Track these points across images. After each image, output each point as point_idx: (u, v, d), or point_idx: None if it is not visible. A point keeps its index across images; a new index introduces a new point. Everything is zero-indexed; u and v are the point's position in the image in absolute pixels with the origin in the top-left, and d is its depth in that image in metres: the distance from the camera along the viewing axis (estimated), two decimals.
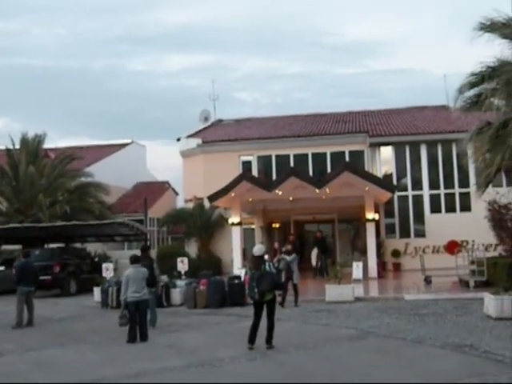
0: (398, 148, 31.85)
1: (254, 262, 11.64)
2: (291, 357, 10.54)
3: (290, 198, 26.91)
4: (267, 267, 11.24)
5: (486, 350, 10.32)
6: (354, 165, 26.90)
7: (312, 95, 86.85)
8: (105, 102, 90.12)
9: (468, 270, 22.15)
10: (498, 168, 17.86)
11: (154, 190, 39.98)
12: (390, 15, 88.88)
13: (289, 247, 18.96)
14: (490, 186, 21.32)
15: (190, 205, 32.96)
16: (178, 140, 35.40)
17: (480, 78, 16.91)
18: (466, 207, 30.37)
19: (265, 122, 37.85)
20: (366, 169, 30.66)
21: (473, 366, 9.36)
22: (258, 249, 11.61)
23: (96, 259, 29.19)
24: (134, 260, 13.29)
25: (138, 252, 16.03)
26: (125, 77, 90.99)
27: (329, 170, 30.78)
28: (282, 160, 32.07)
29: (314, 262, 27.31)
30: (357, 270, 24.01)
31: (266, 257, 11.61)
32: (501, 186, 27.15)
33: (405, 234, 31.26)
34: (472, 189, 24.01)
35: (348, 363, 9.87)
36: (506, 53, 15.97)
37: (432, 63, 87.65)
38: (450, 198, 31.27)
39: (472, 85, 17.27)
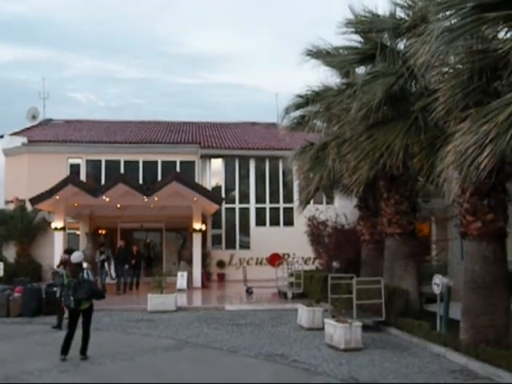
0: (229, 161, 32.64)
1: (71, 270, 11.28)
2: (105, 368, 10.31)
3: (118, 205, 26.48)
4: (85, 275, 10.96)
5: (295, 359, 10.89)
6: (183, 175, 27.06)
7: (148, 102, 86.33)
8: None
9: (287, 282, 23.17)
10: (317, 186, 18.96)
11: None
12: (231, 31, 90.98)
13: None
14: (312, 202, 22.57)
15: (11, 206, 31.16)
16: (1, 137, 33.35)
17: (305, 101, 17.83)
18: (289, 222, 31.84)
19: (97, 125, 36.89)
20: (197, 180, 31.04)
21: (282, 374, 9.80)
22: (76, 256, 11.27)
23: None
24: None
25: None
26: None
27: (159, 178, 30.70)
28: (112, 165, 31.50)
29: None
30: (181, 279, 24.18)
31: (85, 265, 11.28)
32: (321, 203, 28.88)
33: (230, 245, 32.00)
34: (295, 204, 25.20)
35: (163, 373, 9.88)
36: (330, 79, 17.00)
37: (269, 81, 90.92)
38: (274, 212, 32.58)
39: (298, 106, 18.17)
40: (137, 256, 25.65)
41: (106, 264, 23.16)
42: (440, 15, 8.39)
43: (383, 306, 14.03)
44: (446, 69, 10.00)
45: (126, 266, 24.49)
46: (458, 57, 9.20)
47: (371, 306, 14.39)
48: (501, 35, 8.93)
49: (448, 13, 8.22)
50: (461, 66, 9.52)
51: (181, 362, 10.96)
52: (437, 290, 12.93)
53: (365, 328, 12.80)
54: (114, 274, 23.98)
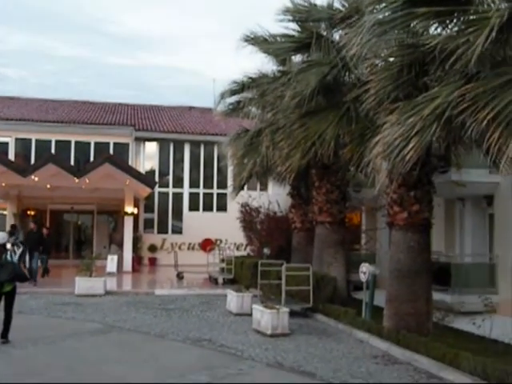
0: (163, 145, 32.36)
1: None
2: (27, 352, 10.05)
3: (48, 186, 25.82)
4: (8, 257, 10.65)
5: (222, 343, 10.93)
6: (116, 157, 26.64)
7: (84, 81, 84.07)
8: None
9: (218, 268, 23.25)
10: (251, 173, 19.03)
11: None
12: (171, 12, 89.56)
13: None
14: (245, 189, 22.64)
15: None
16: None
17: (241, 87, 17.82)
18: (222, 207, 31.91)
19: (28, 103, 35.81)
20: (130, 162, 30.62)
21: (208, 359, 9.81)
22: (0, 237, 10.93)
23: None
24: None
25: None
26: None
27: (92, 159, 30.09)
28: (43, 145, 30.70)
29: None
30: (111, 263, 23.86)
31: (9, 246, 10.94)
32: (255, 189, 29.02)
33: (163, 229, 31.85)
34: (229, 190, 25.25)
35: (86, 358, 9.71)
36: (266, 66, 17.04)
37: (208, 66, 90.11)
38: (208, 197, 32.56)
39: (233, 92, 18.14)
40: (45, 240, 22.22)
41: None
42: (373, 8, 8.51)
43: (311, 293, 14.24)
44: (378, 61, 10.18)
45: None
46: (390, 50, 9.37)
47: (300, 293, 14.58)
48: (431, 30, 9.15)
49: (380, 6, 8.35)
50: (392, 59, 9.70)
51: (106, 346, 10.81)
52: (363, 277, 13.23)
53: (293, 314, 12.98)
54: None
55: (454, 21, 8.24)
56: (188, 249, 31.15)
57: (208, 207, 32.47)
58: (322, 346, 10.92)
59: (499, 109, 6.56)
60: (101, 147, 31.06)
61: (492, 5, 7.85)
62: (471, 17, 7.61)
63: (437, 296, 13.37)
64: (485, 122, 6.63)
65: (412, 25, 8.62)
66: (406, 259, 11.38)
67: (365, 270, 13.20)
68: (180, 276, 23.10)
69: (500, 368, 7.76)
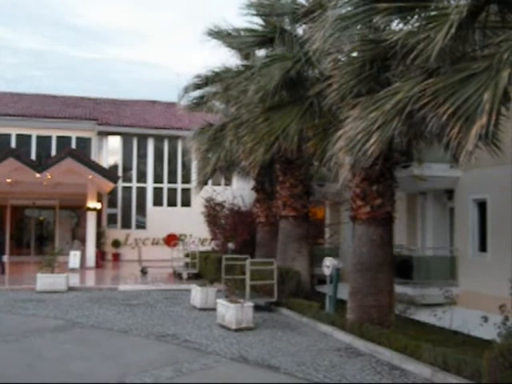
0: (127, 139, 32.07)
1: None
2: None
3: (8, 180, 25.38)
4: None
5: (186, 339, 10.90)
6: (79, 152, 26.34)
7: (46, 75, 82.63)
8: None
9: (183, 263, 23.18)
10: (215, 167, 19.00)
11: None
12: (135, 5, 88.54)
13: None
14: (210, 183, 22.62)
15: None
16: None
17: (205, 81, 17.75)
18: (186, 202, 31.81)
19: None
20: (93, 157, 30.28)
21: (172, 354, 9.77)
22: None
23: None
24: None
25: None
26: None
27: (54, 154, 29.66)
28: (3, 139, 30.14)
29: None
30: (74, 258, 23.61)
31: None
32: (219, 184, 28.99)
33: (126, 224, 31.60)
34: (193, 185, 25.16)
35: (48, 355, 9.59)
36: (230, 60, 17.02)
37: (173, 59, 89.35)
38: (172, 192, 32.40)
39: (197, 86, 18.06)
40: None
41: None
42: (335, 2, 8.54)
43: (275, 287, 14.30)
44: (341, 56, 10.23)
45: None
46: (352, 45, 9.42)
47: (264, 287, 14.63)
48: (393, 26, 9.23)
49: (343, 1, 8.39)
50: (354, 54, 9.76)
51: (67, 343, 10.66)
52: (327, 271, 13.33)
53: (257, 308, 13.02)
54: None
55: (415, 17, 8.31)
56: (152, 244, 30.98)
57: (172, 202, 32.33)
58: (286, 340, 10.97)
59: (459, 104, 6.65)
60: (63, 141, 30.65)
61: (452, 1, 7.96)
62: (431, 13, 7.69)
63: (399, 289, 13.57)
64: (445, 116, 6.71)
65: (374, 20, 8.68)
66: (368, 253, 11.49)
67: (328, 264, 13.30)
68: (144, 271, 22.97)
69: (459, 358, 7.91)
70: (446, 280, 15.88)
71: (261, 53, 16.28)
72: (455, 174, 16.14)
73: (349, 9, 8.31)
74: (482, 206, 15.62)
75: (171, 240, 27.02)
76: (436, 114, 6.91)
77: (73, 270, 22.37)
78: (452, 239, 17.14)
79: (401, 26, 8.77)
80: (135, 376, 8.21)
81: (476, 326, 10.23)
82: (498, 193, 14.44)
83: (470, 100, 6.59)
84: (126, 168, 32.16)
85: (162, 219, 30.90)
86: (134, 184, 32.06)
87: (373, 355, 9.67)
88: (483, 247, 15.47)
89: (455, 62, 7.64)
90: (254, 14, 15.44)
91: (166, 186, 32.40)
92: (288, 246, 16.20)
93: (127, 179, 31.74)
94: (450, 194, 17.17)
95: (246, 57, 16.66)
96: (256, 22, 15.66)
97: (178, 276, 22.21)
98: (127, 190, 31.77)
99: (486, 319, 9.38)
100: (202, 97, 18.50)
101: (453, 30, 6.81)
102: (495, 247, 14.73)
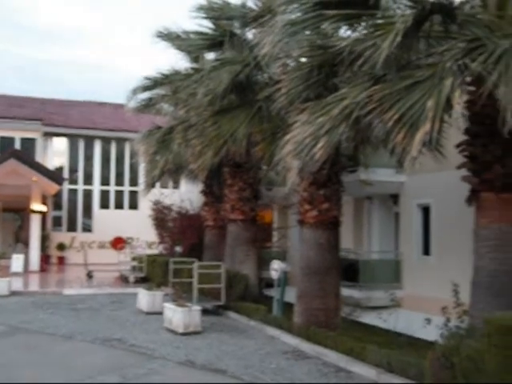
0: (73, 141, 31.55)
1: None
2: None
3: None
4: None
5: (132, 343, 10.79)
6: (23, 153, 25.76)
7: None
8: None
9: (130, 266, 22.94)
10: (163, 170, 18.88)
11: None
12: (89, 5, 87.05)
13: None
14: (158, 186, 22.45)
15: None
16: None
17: (154, 83, 17.63)
18: (134, 205, 31.52)
19: None
20: (38, 158, 29.59)
21: (118, 359, 9.66)
22: None
23: None
24: None
25: None
26: None
27: None
28: None
29: None
30: (17, 262, 23.05)
31: None
32: (167, 187, 28.80)
33: (72, 227, 31.04)
34: (140, 188, 24.94)
35: None
36: (180, 63, 16.95)
37: (123, 61, 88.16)
38: (119, 194, 32.03)
39: (146, 88, 17.91)
40: None
41: None
42: (285, 8, 8.62)
43: (223, 291, 14.29)
44: (289, 61, 10.33)
45: None
46: (301, 50, 9.51)
47: (212, 291, 14.59)
48: (341, 32, 9.37)
49: (292, 6, 8.48)
50: (303, 60, 9.86)
51: (11, 349, 10.42)
52: (275, 275, 13.41)
53: (205, 312, 12.98)
54: None
55: (363, 24, 8.47)
56: (98, 247, 30.48)
57: (119, 205, 31.94)
58: (233, 343, 10.98)
59: (404, 110, 6.80)
60: (6, 142, 29.80)
61: (398, 11, 8.14)
62: (378, 21, 7.85)
63: (345, 292, 13.75)
64: (390, 122, 6.85)
65: (322, 26, 8.78)
66: (316, 256, 11.61)
67: (276, 267, 13.38)
68: (90, 275, 22.60)
69: (404, 359, 8.07)
70: (391, 283, 16.15)
71: (210, 56, 16.29)
72: (400, 179, 16.46)
73: (298, 14, 8.40)
74: (425, 211, 15.97)
75: (118, 243, 26.68)
76: (382, 119, 7.05)
77: (16, 274, 21.80)
78: (397, 243, 17.47)
79: (349, 32, 8.90)
80: (81, 382, 8.08)
81: (420, 327, 10.44)
82: (441, 198, 14.80)
83: (415, 107, 6.75)
84: (73, 170, 31.60)
85: (108, 222, 30.46)
86: (81, 186, 31.54)
87: (319, 358, 9.77)
88: (427, 251, 15.82)
89: (401, 69, 7.81)
90: (203, 17, 15.47)
91: (113, 188, 31.99)
92: (236, 249, 16.23)
93: (73, 181, 31.20)
94: (395, 198, 17.51)
95: (196, 60, 16.61)
96: (206, 26, 15.69)
97: (124, 280, 21.94)
98: (73, 192, 31.22)
99: (429, 321, 9.59)
100: (150, 99, 18.37)
101: (398, 39, 6.95)
102: (438, 251, 15.09)
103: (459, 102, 6.65)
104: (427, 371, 6.94)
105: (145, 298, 14.61)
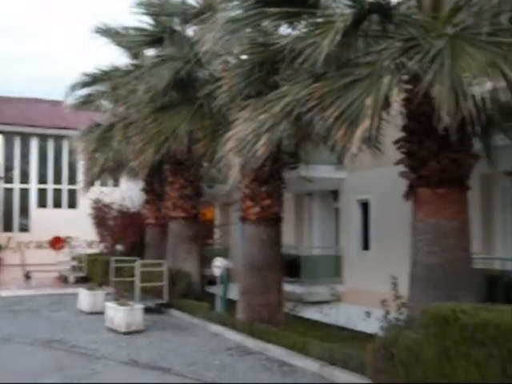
0: (8, 138, 30.75)
1: None
2: None
3: None
4: None
5: (73, 344, 10.63)
6: None
7: None
8: None
9: (69, 266, 22.52)
10: (103, 168, 18.61)
11: None
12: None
13: None
14: (98, 184, 22.10)
15: None
16: None
17: (93, 79, 17.35)
18: (73, 204, 30.96)
19: None
20: None
21: (59, 360, 9.48)
22: None
23: None
24: None
25: None
26: None
27: None
28: None
29: None
30: None
31: None
32: (107, 185, 28.38)
33: (8, 227, 30.25)
34: (80, 186, 24.49)
35: None
36: (120, 59, 16.77)
37: (62, 56, 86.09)
38: (57, 193, 31.39)
39: (85, 84, 17.60)
40: None
41: None
42: (225, 5, 8.63)
43: (166, 289, 14.21)
44: (231, 58, 10.35)
45: None
46: (242, 47, 9.54)
47: (154, 289, 14.50)
48: (281, 30, 9.44)
49: (232, 4, 8.50)
50: (244, 57, 9.90)
51: None
52: (217, 272, 13.43)
53: (147, 310, 12.89)
54: None
55: (303, 22, 8.55)
56: (36, 247, 29.78)
57: (58, 203, 31.30)
58: (176, 341, 10.95)
59: (343, 108, 6.90)
60: None
61: (337, 10, 8.26)
62: (318, 20, 7.93)
63: (288, 287, 13.88)
64: (331, 119, 6.94)
65: (263, 24, 8.84)
66: (258, 253, 11.70)
67: (218, 265, 13.40)
68: (27, 276, 22.05)
69: (345, 352, 8.24)
70: (332, 278, 16.39)
71: (150, 52, 16.16)
72: (340, 176, 16.71)
73: (239, 12, 8.42)
74: (365, 207, 16.28)
75: (57, 243, 26.10)
76: (322, 117, 7.13)
77: None
78: (338, 238, 17.75)
79: (289, 30, 8.98)
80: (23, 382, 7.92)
81: (360, 321, 10.67)
82: (380, 193, 15.12)
83: (354, 104, 6.87)
84: (8, 168, 30.76)
85: (46, 221, 29.77)
86: (17, 185, 30.74)
87: (263, 353, 9.85)
88: (366, 246, 16.14)
89: (341, 67, 7.92)
90: (143, 13, 15.31)
91: (50, 186, 31.32)
92: (178, 246, 16.16)
93: (9, 180, 30.39)
94: (335, 194, 17.77)
95: (136, 56, 16.44)
96: (146, 22, 15.56)
97: (64, 280, 21.54)
98: (9, 191, 30.42)
99: (369, 314, 9.81)
100: (89, 95, 18.08)
101: (338, 37, 7.05)
102: (377, 246, 15.41)
103: (397, 99, 6.80)
104: (368, 362, 7.10)
105: (86, 297, 14.38)
